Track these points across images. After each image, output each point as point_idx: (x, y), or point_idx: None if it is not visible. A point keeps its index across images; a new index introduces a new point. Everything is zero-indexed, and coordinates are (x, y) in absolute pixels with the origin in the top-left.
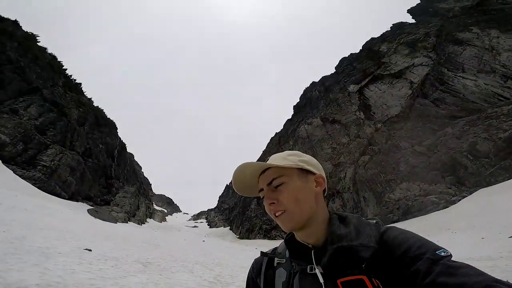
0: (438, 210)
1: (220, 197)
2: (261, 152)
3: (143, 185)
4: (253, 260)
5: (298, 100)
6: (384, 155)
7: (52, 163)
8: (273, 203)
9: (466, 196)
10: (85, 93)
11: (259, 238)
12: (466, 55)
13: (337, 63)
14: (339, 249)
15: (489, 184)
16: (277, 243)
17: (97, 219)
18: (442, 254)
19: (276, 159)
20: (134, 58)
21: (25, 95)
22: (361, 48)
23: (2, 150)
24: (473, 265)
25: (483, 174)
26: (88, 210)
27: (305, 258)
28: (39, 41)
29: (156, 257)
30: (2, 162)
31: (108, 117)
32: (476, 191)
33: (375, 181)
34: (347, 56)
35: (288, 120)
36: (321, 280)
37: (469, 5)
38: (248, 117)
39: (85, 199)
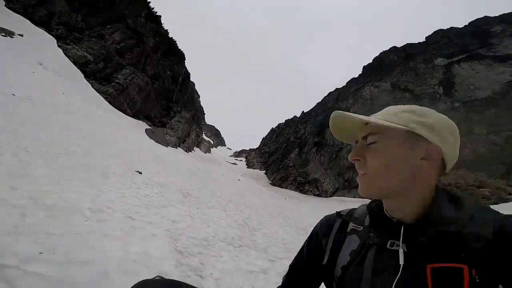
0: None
1: (263, 139)
2: (315, 104)
3: (198, 113)
4: (323, 217)
5: (371, 62)
6: None
7: (125, 81)
8: (358, 160)
9: None
10: (163, 25)
11: (291, 189)
12: None
13: (431, 34)
14: (442, 234)
15: None
16: (308, 198)
17: (151, 139)
18: None
19: (385, 113)
20: None
21: (113, 23)
22: (467, 24)
23: (86, 66)
24: None
25: None
26: (146, 130)
27: (388, 231)
28: None
29: (196, 188)
30: (84, 77)
31: (179, 48)
32: None
33: None
34: (445, 29)
35: (353, 78)
36: (401, 261)
37: None
38: (313, 68)
39: (146, 118)
